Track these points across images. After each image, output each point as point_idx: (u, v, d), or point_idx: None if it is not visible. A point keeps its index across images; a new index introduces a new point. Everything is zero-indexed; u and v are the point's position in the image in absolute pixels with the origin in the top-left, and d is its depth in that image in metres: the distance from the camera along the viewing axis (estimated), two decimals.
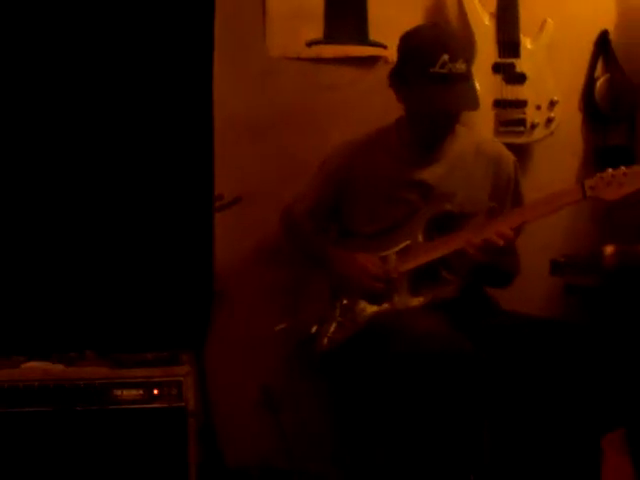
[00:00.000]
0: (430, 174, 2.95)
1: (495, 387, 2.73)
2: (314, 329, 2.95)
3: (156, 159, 3.12)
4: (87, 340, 3.01)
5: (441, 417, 2.62)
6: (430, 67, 2.77)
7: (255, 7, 3.30)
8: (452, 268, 2.96)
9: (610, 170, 2.65)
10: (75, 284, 3.07)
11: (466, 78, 2.83)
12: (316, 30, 3.33)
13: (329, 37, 3.34)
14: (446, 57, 2.76)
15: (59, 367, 2.85)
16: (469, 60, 2.90)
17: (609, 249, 2.97)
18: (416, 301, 2.85)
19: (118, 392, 2.79)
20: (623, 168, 2.64)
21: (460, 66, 2.79)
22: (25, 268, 3.05)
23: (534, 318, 2.89)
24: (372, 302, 2.90)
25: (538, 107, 3.35)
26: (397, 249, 2.91)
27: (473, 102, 2.87)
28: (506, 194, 3.01)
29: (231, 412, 3.27)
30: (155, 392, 2.80)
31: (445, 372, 2.57)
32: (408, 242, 2.91)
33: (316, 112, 3.33)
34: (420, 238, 2.91)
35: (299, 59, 3.32)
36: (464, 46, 2.95)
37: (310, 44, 3.32)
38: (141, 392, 2.80)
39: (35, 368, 2.84)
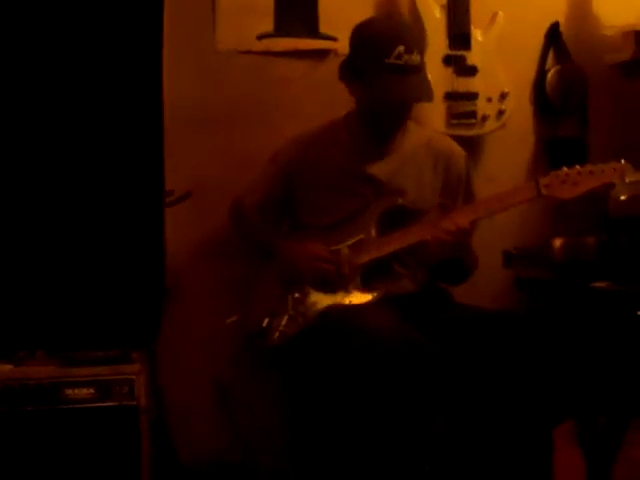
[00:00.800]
0: (381, 169, 2.95)
1: (448, 379, 2.73)
2: (265, 322, 2.93)
3: (106, 155, 3.09)
4: (36, 339, 2.98)
5: (395, 409, 2.61)
6: (385, 58, 2.76)
7: (205, 1, 3.28)
8: (405, 263, 2.96)
9: (565, 168, 2.66)
10: (23, 281, 3.03)
11: (420, 70, 2.84)
12: (266, 23, 3.31)
13: (279, 30, 3.32)
14: (402, 48, 2.76)
15: (8, 367, 2.82)
16: (422, 52, 2.89)
17: (558, 242, 2.99)
18: (369, 296, 2.84)
19: (69, 391, 2.77)
20: (577, 167, 2.66)
21: (415, 57, 2.79)
22: None
23: (486, 311, 2.91)
24: (324, 290, 2.89)
25: (489, 99, 3.35)
26: (349, 243, 2.91)
27: (427, 93, 2.86)
28: (457, 191, 3.02)
29: (184, 408, 3.24)
30: (105, 390, 2.78)
31: (398, 365, 2.56)
32: (361, 236, 2.90)
33: (266, 106, 3.31)
34: (373, 232, 2.90)
35: (249, 52, 3.30)
36: (418, 38, 2.96)
37: (260, 37, 3.30)
38: (92, 391, 2.79)
39: None
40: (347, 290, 2.88)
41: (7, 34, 3.01)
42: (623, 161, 2.63)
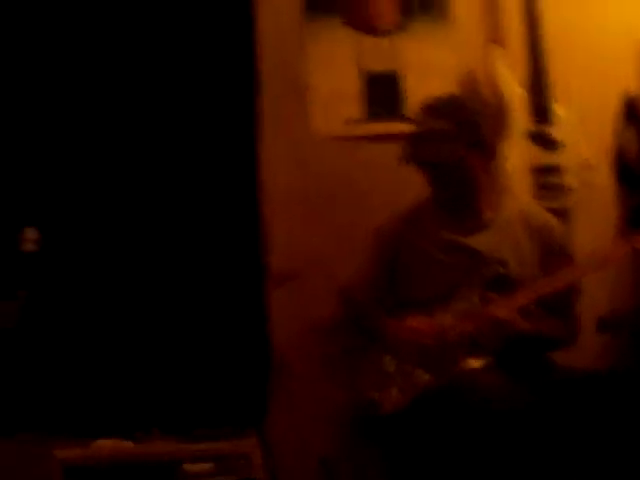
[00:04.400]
0: (479, 241, 3.02)
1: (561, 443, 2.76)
2: (375, 396, 2.99)
3: (210, 238, 3.24)
4: (151, 419, 3.07)
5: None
6: None
7: (296, 91, 3.44)
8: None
9: None
10: (139, 364, 3.15)
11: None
12: (355, 109, 3.47)
13: (367, 115, 3.47)
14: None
15: (128, 444, 2.92)
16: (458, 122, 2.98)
17: None
18: (477, 362, 2.90)
19: (188, 467, 2.85)
20: None
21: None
22: (89, 352, 3.13)
23: (592, 372, 2.94)
24: (430, 371, 2.93)
25: (574, 171, 3.46)
26: (452, 315, 2.97)
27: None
28: (558, 262, 3.02)
29: None
30: (223, 466, 2.86)
31: (512, 426, 2.61)
32: (465, 305, 2.98)
33: (359, 188, 3.43)
34: (476, 301, 2.98)
35: (341, 137, 3.44)
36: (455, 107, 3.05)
37: (349, 122, 3.45)
38: (210, 466, 2.86)
39: (105, 446, 2.90)
40: (454, 361, 2.94)
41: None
42: None
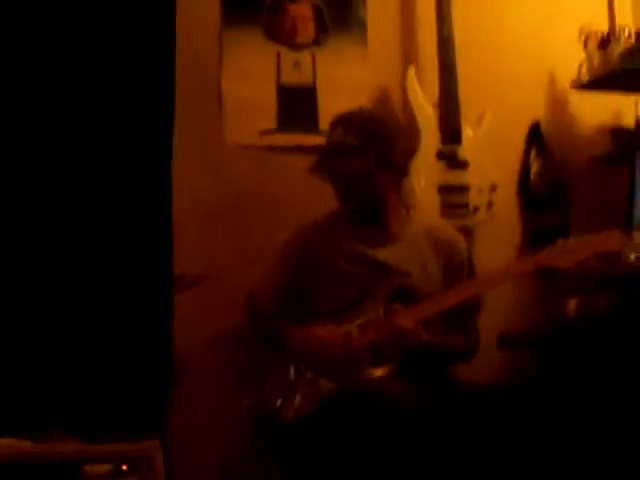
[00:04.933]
0: (388, 254, 3.07)
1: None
2: (279, 402, 3.00)
3: (117, 242, 3.21)
4: (51, 418, 3.04)
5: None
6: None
7: (211, 98, 3.47)
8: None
9: (560, 240, 2.83)
10: (37, 364, 3.10)
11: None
12: (269, 120, 3.52)
13: (281, 127, 3.52)
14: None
15: (27, 443, 2.87)
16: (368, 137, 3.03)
17: (572, 302, 3.15)
18: (381, 371, 2.95)
19: (88, 468, 2.83)
20: (572, 238, 2.84)
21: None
22: None
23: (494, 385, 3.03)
24: (334, 379, 2.96)
25: (480, 191, 3.57)
26: (358, 323, 3.01)
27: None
28: (460, 277, 3.11)
29: None
30: (124, 467, 2.84)
31: (420, 432, 2.66)
32: (370, 316, 3.01)
33: (271, 198, 3.48)
34: (381, 312, 3.03)
35: (254, 147, 3.48)
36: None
37: (264, 133, 3.49)
38: (111, 467, 2.84)
39: (4, 445, 2.85)
40: (358, 369, 2.99)
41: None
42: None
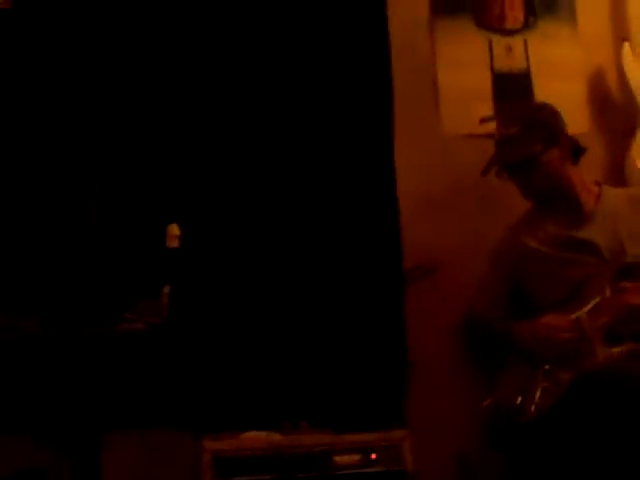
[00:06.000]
0: (591, 232, 3.05)
1: None
2: (519, 400, 2.96)
3: (347, 236, 3.28)
4: (298, 412, 3.11)
5: None
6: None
7: (427, 89, 3.49)
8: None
9: None
10: (284, 361, 3.19)
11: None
12: (486, 107, 3.50)
13: (499, 114, 3.50)
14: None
15: (277, 436, 2.95)
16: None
17: None
18: (617, 350, 2.89)
19: (338, 458, 2.88)
20: None
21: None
22: (236, 347, 3.19)
23: None
24: (572, 367, 2.91)
25: None
26: (587, 309, 2.97)
27: None
28: None
29: None
30: (372, 456, 2.88)
31: None
32: (597, 299, 2.96)
33: (492, 187, 3.44)
34: (608, 293, 2.98)
35: (472, 136, 3.47)
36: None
37: (482, 121, 3.47)
38: (360, 457, 2.88)
39: (255, 437, 2.93)
40: (594, 353, 2.93)
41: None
42: None
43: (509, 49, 3.56)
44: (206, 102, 3.28)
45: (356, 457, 2.87)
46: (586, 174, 3.16)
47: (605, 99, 3.61)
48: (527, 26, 3.59)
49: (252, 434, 2.94)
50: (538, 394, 2.95)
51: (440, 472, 3.31)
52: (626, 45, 3.53)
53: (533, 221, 3.17)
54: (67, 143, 3.20)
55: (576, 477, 2.81)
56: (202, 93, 3.29)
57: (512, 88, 3.53)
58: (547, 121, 3.07)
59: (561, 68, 3.57)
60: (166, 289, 3.01)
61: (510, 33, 3.58)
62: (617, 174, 3.50)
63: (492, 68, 3.54)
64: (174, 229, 3.05)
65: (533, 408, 2.93)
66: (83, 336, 2.90)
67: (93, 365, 3.02)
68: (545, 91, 3.51)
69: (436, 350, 3.35)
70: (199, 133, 3.27)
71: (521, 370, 3.03)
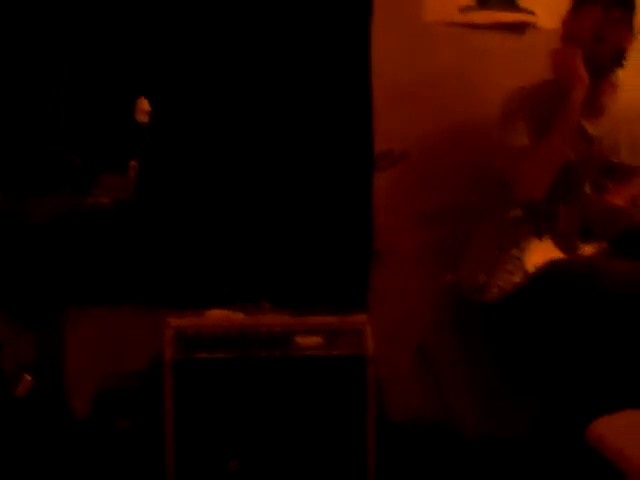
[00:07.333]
0: (595, 126, 3.01)
1: None
2: (482, 279, 2.99)
3: (317, 121, 3.25)
4: (261, 292, 3.12)
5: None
6: None
7: None
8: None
9: None
10: (248, 240, 3.19)
11: None
12: None
13: (480, 3, 3.43)
14: None
15: (239, 315, 2.95)
16: None
17: None
18: (593, 247, 2.90)
19: (299, 339, 2.89)
20: None
21: None
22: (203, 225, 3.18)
23: None
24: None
25: None
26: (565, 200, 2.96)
27: None
28: None
29: (387, 367, 3.33)
30: (335, 340, 2.89)
31: None
32: (577, 193, 2.96)
33: (469, 75, 3.40)
34: (587, 190, 2.97)
35: (452, 24, 3.41)
36: None
37: (463, 10, 3.41)
38: (321, 339, 2.90)
39: (218, 315, 2.94)
40: (569, 245, 2.93)
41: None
42: None
43: None
44: None
45: (317, 339, 2.88)
46: None
47: None
48: None
49: (215, 312, 2.95)
50: (502, 277, 2.95)
51: (400, 358, 3.36)
52: None
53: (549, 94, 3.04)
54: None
55: (533, 364, 2.88)
56: None
57: None
58: None
59: None
60: (133, 163, 2.98)
61: None
62: None
63: None
64: (144, 103, 2.99)
65: (495, 290, 2.94)
66: (48, 210, 2.88)
67: (58, 240, 3.01)
68: None
69: (403, 239, 3.35)
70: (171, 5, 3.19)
71: (487, 251, 3.03)
